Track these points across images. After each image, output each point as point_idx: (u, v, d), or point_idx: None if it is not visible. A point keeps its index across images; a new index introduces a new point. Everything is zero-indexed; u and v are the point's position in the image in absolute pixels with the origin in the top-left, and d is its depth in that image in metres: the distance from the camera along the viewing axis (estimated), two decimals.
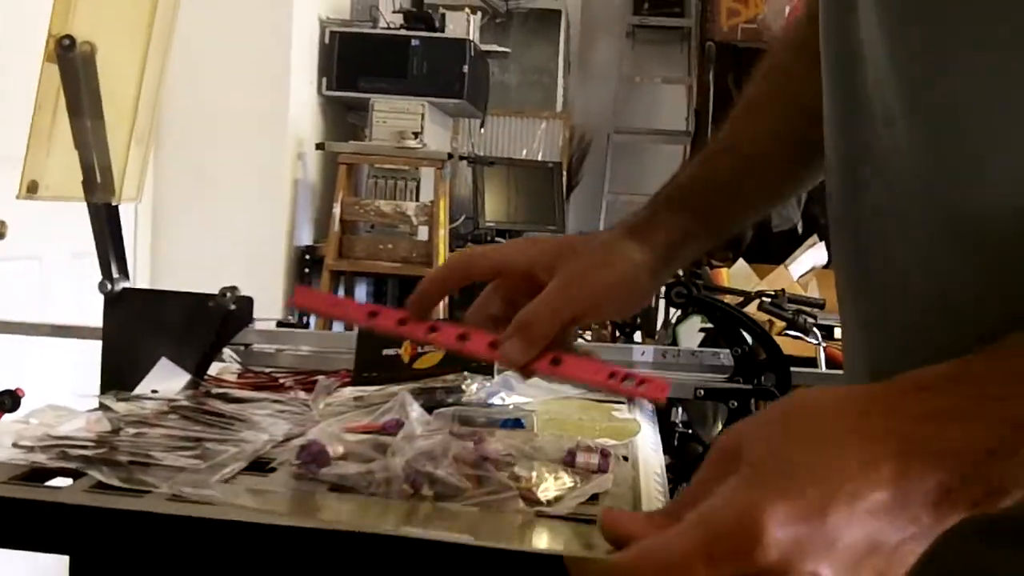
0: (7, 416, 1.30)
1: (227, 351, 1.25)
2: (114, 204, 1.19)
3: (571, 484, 0.82)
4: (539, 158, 5.60)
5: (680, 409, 3.39)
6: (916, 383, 0.54)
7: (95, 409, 1.05)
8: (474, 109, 4.42)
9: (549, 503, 0.78)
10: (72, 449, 0.86)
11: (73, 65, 1.14)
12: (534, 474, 0.81)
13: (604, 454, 0.87)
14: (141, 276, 3.43)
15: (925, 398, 0.52)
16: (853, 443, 0.51)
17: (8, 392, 1.52)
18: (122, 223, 1.24)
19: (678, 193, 0.84)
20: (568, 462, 0.86)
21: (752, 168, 0.84)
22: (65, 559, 0.85)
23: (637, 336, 3.56)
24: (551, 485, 0.80)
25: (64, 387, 1.68)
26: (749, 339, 1.40)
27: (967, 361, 0.53)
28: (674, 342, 3.43)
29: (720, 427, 3.54)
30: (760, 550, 0.48)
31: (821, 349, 3.52)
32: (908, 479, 0.50)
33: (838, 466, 0.50)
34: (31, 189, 1.14)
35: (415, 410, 0.94)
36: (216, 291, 1.20)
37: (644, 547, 0.51)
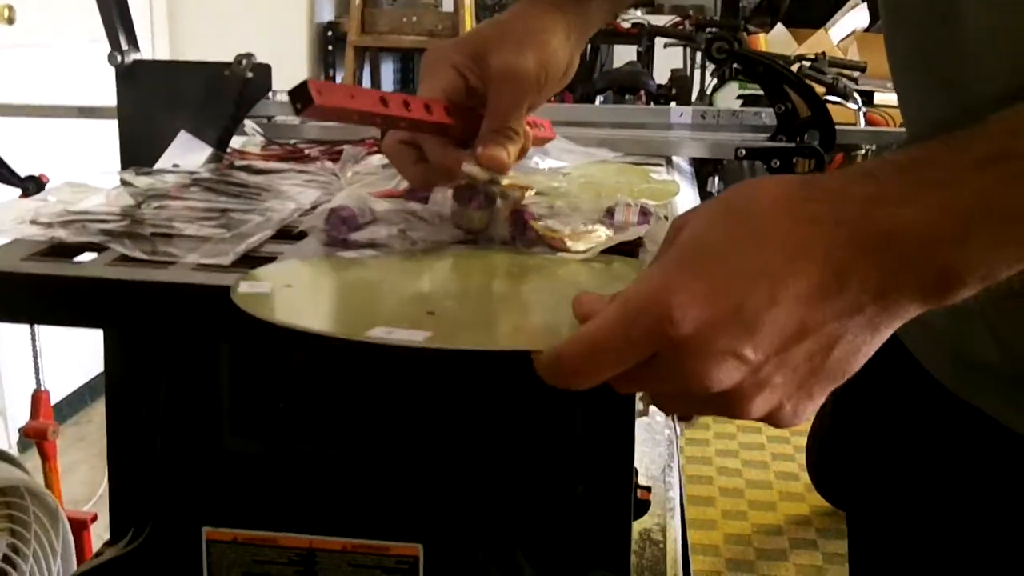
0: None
1: (250, 124, 1.20)
2: None
3: (605, 238, 0.79)
4: None
5: (717, 178, 3.34)
6: (863, 170, 0.50)
7: (115, 187, 1.01)
8: None
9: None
10: (93, 224, 0.83)
11: None
12: (568, 228, 0.78)
13: (644, 212, 0.83)
14: (161, 57, 3.34)
15: (869, 183, 0.49)
16: (784, 227, 0.48)
17: (32, 177, 1.50)
18: (136, 1, 1.17)
19: None
20: (607, 220, 0.83)
21: None
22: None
23: (673, 106, 3.46)
24: (584, 240, 0.78)
25: (87, 171, 1.65)
26: (792, 98, 1.33)
27: (919, 148, 0.50)
28: None
29: None
30: (671, 325, 0.47)
31: (861, 114, 3.42)
32: (842, 262, 0.47)
33: (765, 249, 0.48)
34: None
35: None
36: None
37: (576, 335, 0.51)
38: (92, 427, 3.01)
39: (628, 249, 0.79)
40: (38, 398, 1.67)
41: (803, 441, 2.86)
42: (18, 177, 1.47)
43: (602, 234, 0.80)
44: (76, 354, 2.57)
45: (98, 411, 3.05)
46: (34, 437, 1.70)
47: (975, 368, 0.72)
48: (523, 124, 0.79)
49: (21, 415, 2.62)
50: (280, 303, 0.67)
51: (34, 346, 1.57)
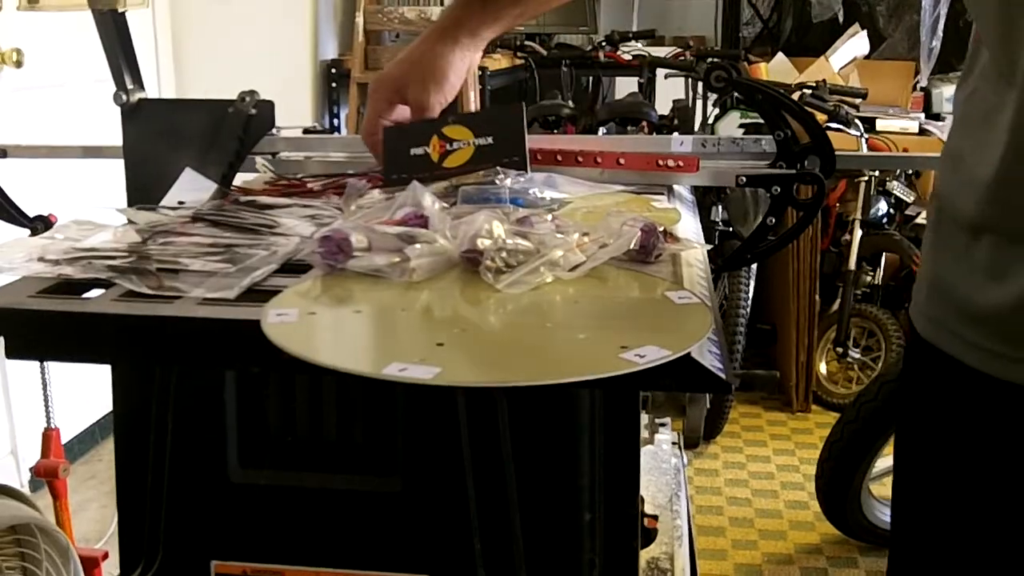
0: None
1: (259, 160, 1.21)
2: (120, 11, 1.13)
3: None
4: None
5: (720, 207, 3.34)
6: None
7: (121, 223, 1.02)
8: None
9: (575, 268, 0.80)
10: (99, 260, 0.84)
11: None
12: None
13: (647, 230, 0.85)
14: (167, 94, 3.37)
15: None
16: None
17: (40, 217, 1.50)
18: (141, 41, 1.19)
19: None
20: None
21: None
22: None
23: (674, 135, 3.48)
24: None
25: (93, 209, 1.66)
26: (792, 125, 1.34)
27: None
28: None
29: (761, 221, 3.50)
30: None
31: (863, 141, 3.43)
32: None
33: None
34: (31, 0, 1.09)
35: (428, 198, 0.91)
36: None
37: None
38: (102, 465, 3.01)
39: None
40: (48, 436, 1.67)
41: (813, 470, 2.86)
42: (27, 217, 1.48)
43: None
44: (86, 392, 2.58)
45: (108, 449, 3.05)
46: (45, 475, 1.70)
47: None
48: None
49: (32, 453, 2.62)
50: (303, 334, 0.68)
51: (44, 384, 1.58)
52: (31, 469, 1.91)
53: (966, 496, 0.80)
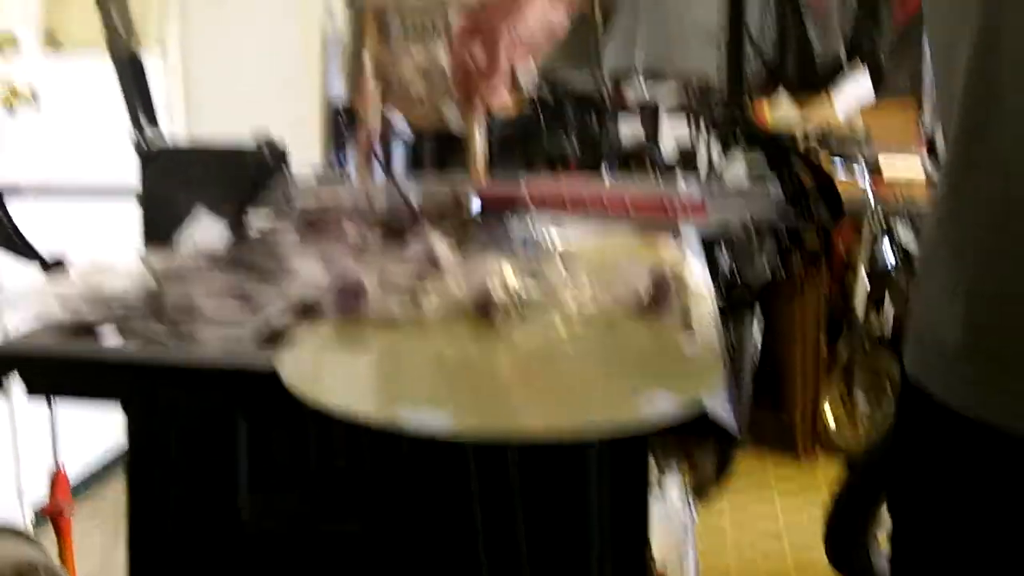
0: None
1: (269, 204, 1.23)
2: (138, 55, 1.15)
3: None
4: None
5: (723, 249, 3.35)
6: None
7: (137, 266, 1.04)
8: None
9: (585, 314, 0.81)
10: (117, 303, 0.86)
11: None
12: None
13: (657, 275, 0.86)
14: (177, 138, 3.40)
15: None
16: None
17: (53, 255, 1.52)
18: (152, 84, 1.20)
19: None
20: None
21: None
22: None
23: (681, 179, 3.49)
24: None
25: (108, 250, 1.68)
26: (799, 170, 1.35)
27: None
28: None
29: (765, 266, 3.51)
30: None
31: (867, 184, 3.44)
32: None
33: None
34: (52, 42, 1.11)
35: (440, 244, 0.93)
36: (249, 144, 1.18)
37: None
38: (106, 503, 3.00)
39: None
40: (56, 477, 1.68)
41: (817, 512, 2.84)
42: (40, 255, 1.49)
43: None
44: (90, 431, 2.58)
45: (112, 487, 3.05)
46: (51, 515, 1.70)
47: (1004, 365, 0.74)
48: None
49: (36, 491, 2.62)
50: (318, 379, 0.69)
51: (52, 426, 1.59)
52: (36, 510, 1.91)
53: (959, 544, 0.80)
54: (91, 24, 1.10)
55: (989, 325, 0.74)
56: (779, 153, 1.33)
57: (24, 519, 2.69)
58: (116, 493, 3.03)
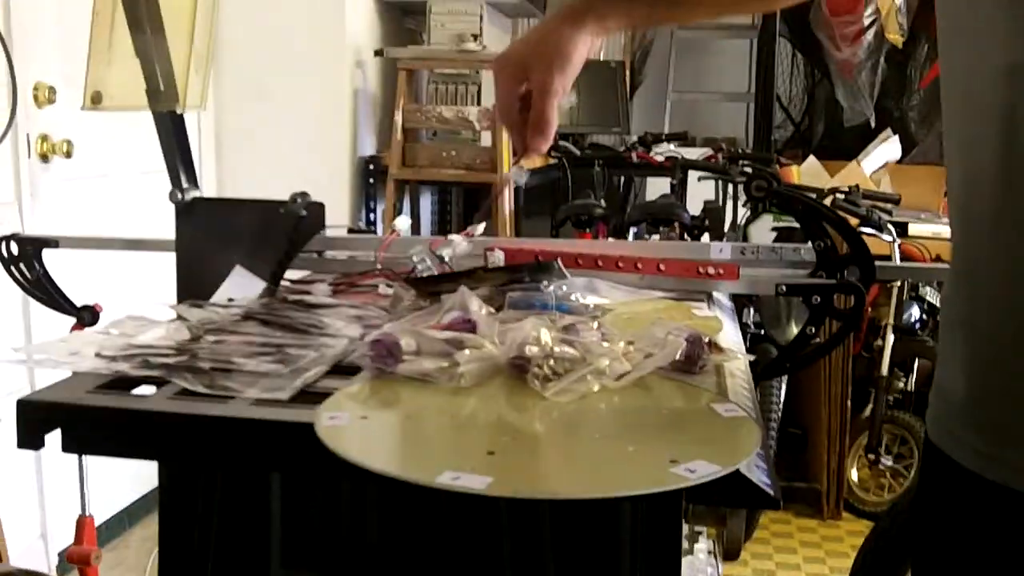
0: (87, 328, 1.31)
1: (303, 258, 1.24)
2: (179, 112, 1.17)
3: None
4: (601, 57, 5.48)
5: (752, 309, 3.34)
6: None
7: (173, 320, 1.05)
8: (532, 8, 4.32)
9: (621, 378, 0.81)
10: (154, 357, 0.86)
11: None
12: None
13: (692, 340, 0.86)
14: (208, 190, 3.44)
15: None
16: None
17: (87, 307, 1.54)
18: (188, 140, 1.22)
19: None
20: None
21: None
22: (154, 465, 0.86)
23: (705, 238, 3.50)
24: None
25: (139, 301, 1.69)
26: (831, 233, 1.35)
27: None
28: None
29: (793, 327, 3.49)
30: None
31: (896, 246, 3.44)
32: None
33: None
34: (95, 100, 1.13)
35: (475, 303, 0.93)
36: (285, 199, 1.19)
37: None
38: (130, 552, 3.00)
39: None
40: (83, 523, 1.68)
41: (840, 563, 2.80)
42: (73, 306, 1.51)
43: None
44: (116, 479, 2.59)
45: (136, 535, 3.04)
46: (77, 562, 1.70)
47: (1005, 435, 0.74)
48: (553, 115, 1.09)
49: (61, 536, 2.62)
50: (356, 439, 0.69)
51: (81, 473, 1.59)
52: (61, 554, 1.91)
53: None
54: (135, 85, 1.12)
55: (990, 391, 0.76)
56: (812, 216, 1.33)
57: (48, 563, 2.69)
58: (140, 540, 3.03)
